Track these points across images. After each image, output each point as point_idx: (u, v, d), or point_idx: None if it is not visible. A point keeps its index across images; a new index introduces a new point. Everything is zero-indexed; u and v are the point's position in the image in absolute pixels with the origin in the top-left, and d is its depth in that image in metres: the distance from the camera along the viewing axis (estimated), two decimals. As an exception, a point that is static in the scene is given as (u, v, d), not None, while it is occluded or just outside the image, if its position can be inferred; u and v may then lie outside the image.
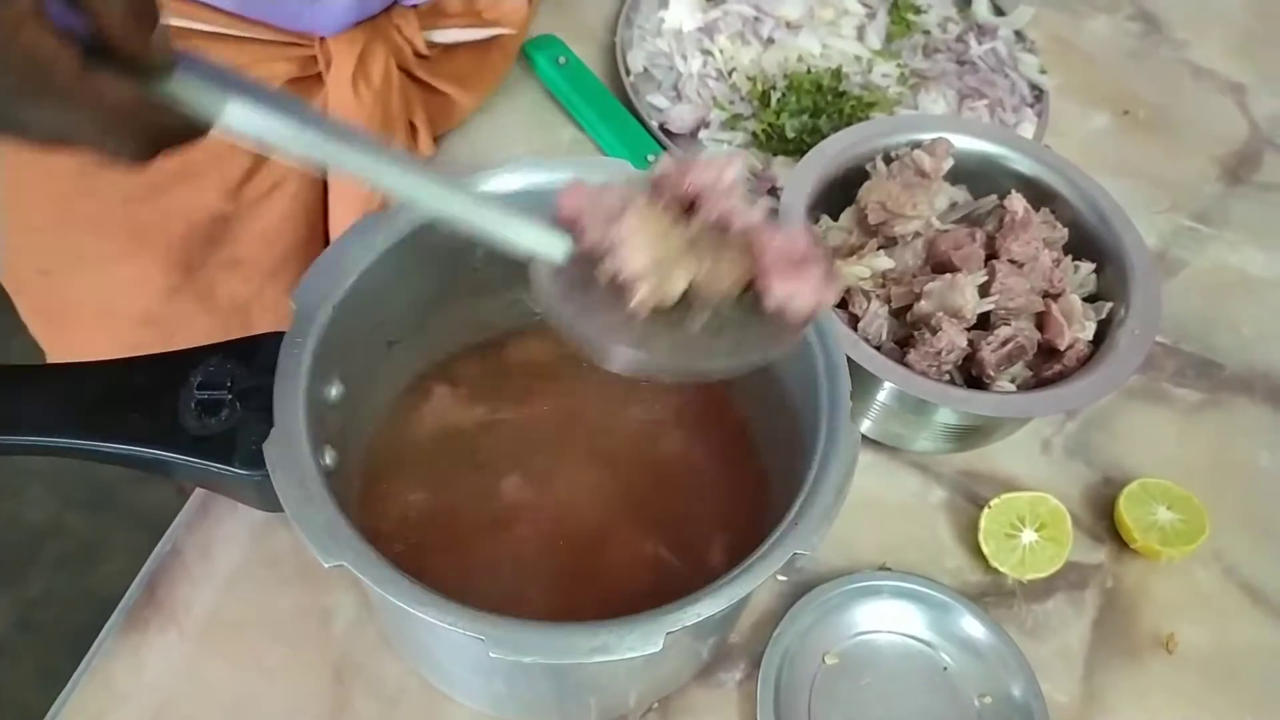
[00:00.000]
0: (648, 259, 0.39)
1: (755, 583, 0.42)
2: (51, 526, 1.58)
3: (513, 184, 0.54)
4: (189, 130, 0.35)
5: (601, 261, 0.40)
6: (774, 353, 0.42)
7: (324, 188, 0.77)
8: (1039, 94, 0.87)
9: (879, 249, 0.63)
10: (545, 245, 0.41)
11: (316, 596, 0.59)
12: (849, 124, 0.81)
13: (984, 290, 0.60)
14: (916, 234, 0.63)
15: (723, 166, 0.41)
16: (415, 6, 0.73)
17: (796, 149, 0.81)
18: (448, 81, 0.78)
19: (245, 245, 0.75)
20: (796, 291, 0.40)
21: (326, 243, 0.80)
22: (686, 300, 0.40)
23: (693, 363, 0.40)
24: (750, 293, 0.41)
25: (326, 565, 0.41)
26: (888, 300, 0.62)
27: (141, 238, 0.73)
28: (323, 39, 0.69)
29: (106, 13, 0.32)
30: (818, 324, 0.51)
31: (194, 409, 0.47)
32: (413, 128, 0.77)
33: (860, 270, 0.62)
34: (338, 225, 0.78)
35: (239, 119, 0.35)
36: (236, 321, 0.77)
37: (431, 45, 0.76)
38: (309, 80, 0.72)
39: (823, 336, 0.51)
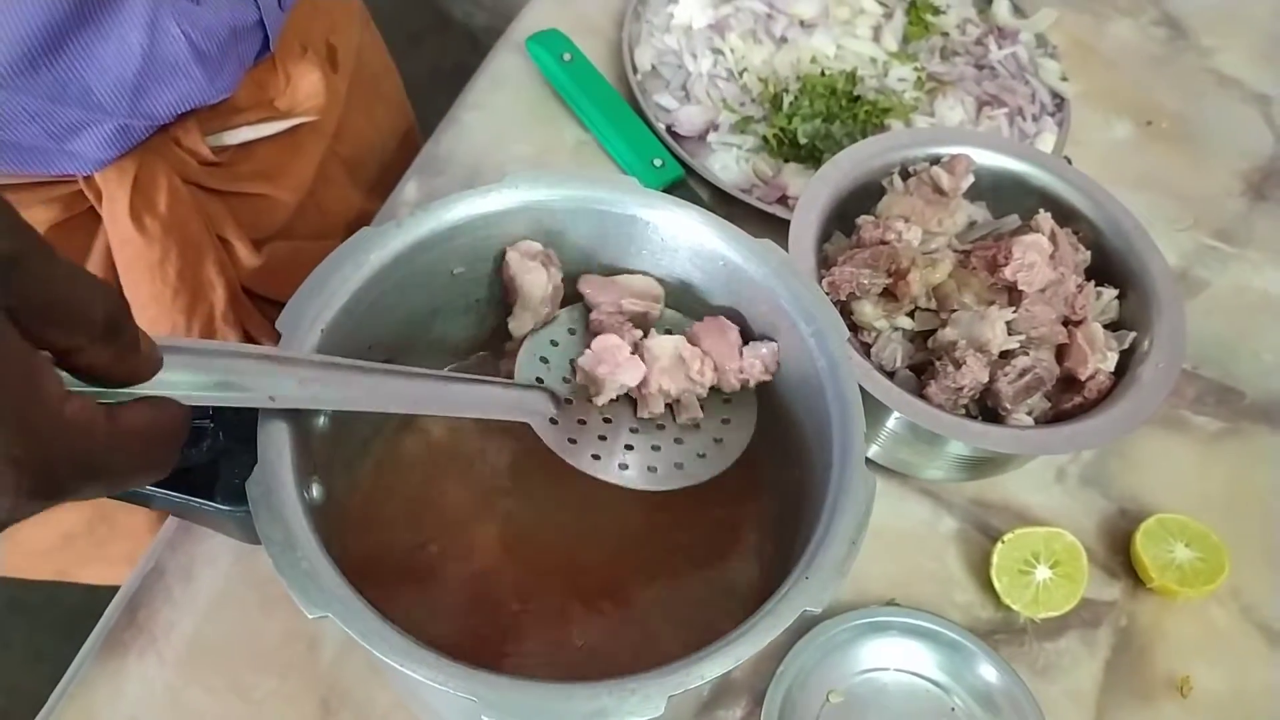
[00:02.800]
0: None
1: (762, 643, 0.40)
2: (42, 507, 1.56)
3: (511, 200, 0.51)
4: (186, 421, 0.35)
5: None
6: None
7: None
8: (1060, 102, 0.85)
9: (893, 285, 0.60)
10: (533, 409, 0.48)
11: (303, 621, 0.56)
12: (863, 130, 0.79)
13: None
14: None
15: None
16: (194, 113, 0.62)
17: (809, 155, 0.78)
18: (253, 182, 0.70)
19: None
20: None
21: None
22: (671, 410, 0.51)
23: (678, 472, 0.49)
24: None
25: (311, 616, 0.39)
26: (912, 313, 0.59)
27: None
28: (87, 175, 0.60)
29: (100, 357, 0.31)
30: (830, 355, 0.48)
31: (174, 438, 0.45)
32: (225, 242, 0.69)
33: (881, 324, 0.60)
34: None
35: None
36: None
37: (222, 149, 0.67)
38: (80, 219, 0.63)
39: (835, 368, 0.48)
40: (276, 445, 0.43)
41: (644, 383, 0.50)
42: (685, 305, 0.55)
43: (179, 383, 0.35)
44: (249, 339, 0.71)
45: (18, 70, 0.52)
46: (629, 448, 0.49)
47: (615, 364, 0.49)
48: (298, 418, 0.44)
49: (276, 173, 0.72)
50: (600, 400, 0.50)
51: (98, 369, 0.32)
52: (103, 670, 0.55)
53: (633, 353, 0.50)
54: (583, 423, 0.49)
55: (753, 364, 0.50)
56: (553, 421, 0.49)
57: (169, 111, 0.60)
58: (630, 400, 0.51)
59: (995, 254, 0.60)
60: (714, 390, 0.51)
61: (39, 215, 0.61)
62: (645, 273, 0.55)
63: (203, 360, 0.37)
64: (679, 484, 0.49)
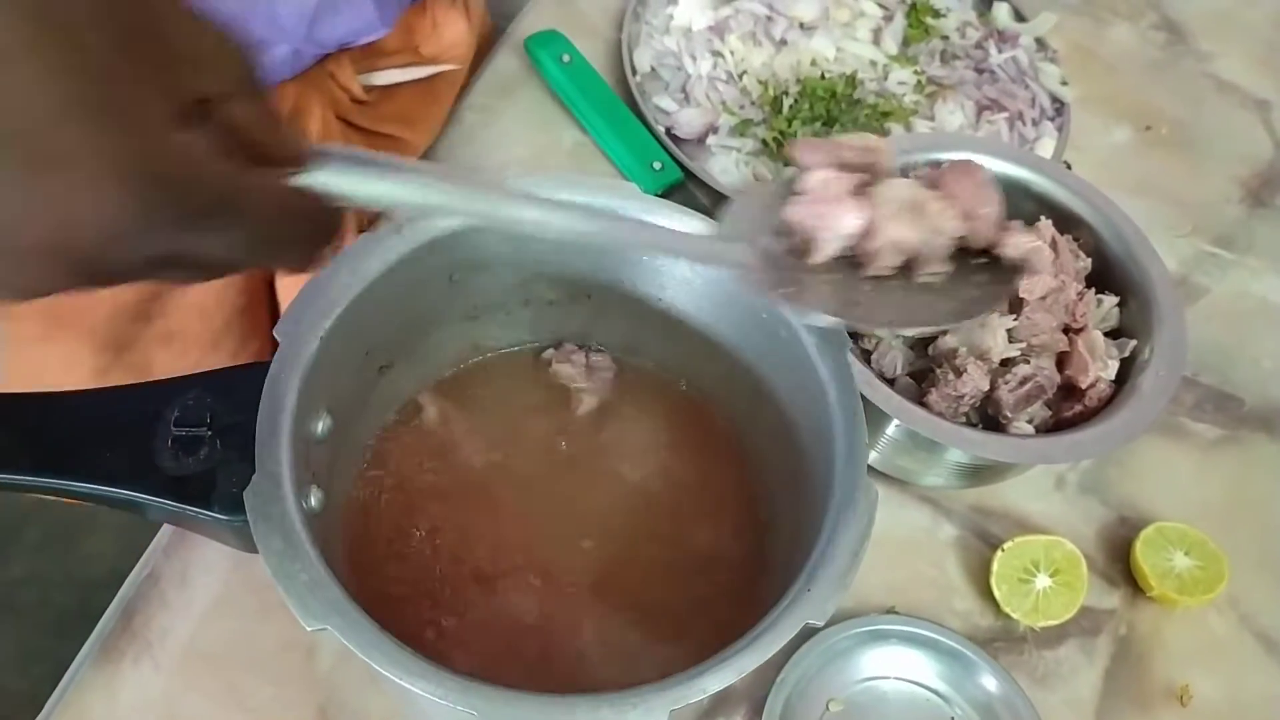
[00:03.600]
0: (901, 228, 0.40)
1: (763, 656, 0.39)
2: (33, 506, 1.55)
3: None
4: (338, 220, 0.31)
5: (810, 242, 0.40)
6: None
7: None
8: (1060, 106, 0.84)
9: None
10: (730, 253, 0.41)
11: (301, 628, 0.56)
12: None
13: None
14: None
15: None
16: (349, 50, 0.67)
17: (808, 159, 0.78)
18: (392, 124, 0.73)
19: (179, 319, 0.70)
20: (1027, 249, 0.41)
21: (274, 306, 0.74)
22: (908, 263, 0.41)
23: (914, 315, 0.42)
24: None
25: (309, 629, 0.38)
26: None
27: (62, 320, 0.67)
28: None
29: (243, 113, 0.28)
30: (833, 363, 0.48)
31: (170, 447, 0.44)
32: None
33: (882, 331, 0.59)
34: (286, 285, 0.72)
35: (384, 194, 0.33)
36: None
37: (370, 89, 0.71)
38: None
39: (837, 377, 0.48)
40: (274, 453, 0.43)
41: (870, 234, 0.39)
42: (683, 328, 0.55)
43: (381, 195, 0.32)
44: None
45: None
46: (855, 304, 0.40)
47: (830, 207, 0.39)
48: (297, 424, 0.44)
49: (412, 117, 0.76)
50: (816, 259, 0.40)
51: (239, 126, 0.27)
52: (98, 676, 0.55)
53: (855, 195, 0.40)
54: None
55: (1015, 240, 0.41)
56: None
57: (338, 41, 0.64)
58: (854, 267, 0.41)
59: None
60: (962, 253, 0.42)
61: None
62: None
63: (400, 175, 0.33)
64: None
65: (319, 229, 0.30)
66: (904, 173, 0.65)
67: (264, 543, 0.40)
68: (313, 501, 0.45)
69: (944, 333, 0.56)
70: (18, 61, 0.22)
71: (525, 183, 0.51)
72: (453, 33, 0.74)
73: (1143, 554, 0.62)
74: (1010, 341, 0.58)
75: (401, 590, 0.49)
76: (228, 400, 0.45)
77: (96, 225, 0.24)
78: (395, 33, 0.69)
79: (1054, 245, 0.61)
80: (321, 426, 0.48)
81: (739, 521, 0.54)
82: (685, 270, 0.53)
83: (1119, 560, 0.64)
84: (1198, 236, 0.81)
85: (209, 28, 0.27)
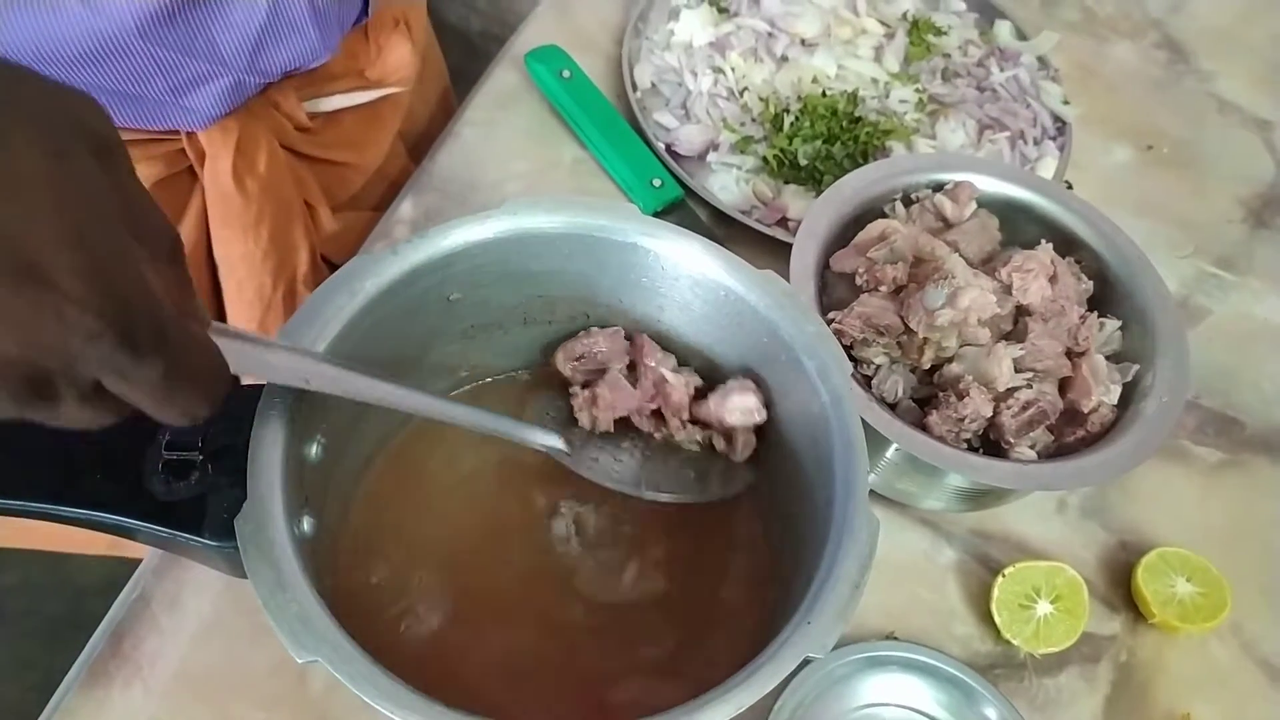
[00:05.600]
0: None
1: (763, 690, 0.39)
2: (26, 513, 1.54)
3: (509, 227, 0.51)
4: (229, 379, 0.35)
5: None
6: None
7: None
8: (1061, 125, 0.84)
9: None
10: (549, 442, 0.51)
11: (292, 651, 0.56)
12: (864, 152, 0.78)
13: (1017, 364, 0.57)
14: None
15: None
16: (292, 77, 0.65)
17: (809, 176, 0.78)
18: (339, 150, 0.72)
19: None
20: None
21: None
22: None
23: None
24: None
25: (300, 661, 0.38)
26: (914, 365, 0.59)
27: None
28: (190, 132, 0.62)
29: (167, 275, 0.32)
30: (834, 389, 0.48)
31: (161, 471, 0.43)
32: (308, 206, 0.71)
33: (882, 359, 0.59)
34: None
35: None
36: None
37: (314, 116, 0.69)
38: (178, 177, 0.65)
39: (838, 404, 0.47)
40: (267, 479, 0.42)
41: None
42: (683, 350, 0.56)
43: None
44: None
45: (158, 21, 0.55)
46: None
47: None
48: (290, 448, 0.43)
49: (359, 142, 0.75)
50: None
51: (165, 286, 0.32)
52: (87, 700, 0.54)
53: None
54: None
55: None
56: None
57: (280, 69, 0.63)
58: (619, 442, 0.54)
59: (994, 266, 0.59)
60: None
61: (142, 171, 0.63)
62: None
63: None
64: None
65: (216, 381, 0.34)
66: (907, 198, 0.66)
67: (255, 572, 0.39)
68: (305, 527, 0.45)
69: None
70: (38, 190, 0.27)
71: (527, 201, 0.51)
72: (396, 55, 0.72)
73: (1144, 580, 0.61)
74: (1016, 371, 0.57)
75: (396, 618, 0.49)
76: (220, 421, 0.44)
77: (55, 338, 0.27)
78: (338, 58, 0.67)
79: (1054, 268, 0.60)
80: (315, 450, 0.47)
81: (741, 550, 0.53)
82: (685, 293, 0.53)
83: (1120, 586, 0.63)
84: (1199, 257, 0.81)
85: (154, 205, 0.33)
